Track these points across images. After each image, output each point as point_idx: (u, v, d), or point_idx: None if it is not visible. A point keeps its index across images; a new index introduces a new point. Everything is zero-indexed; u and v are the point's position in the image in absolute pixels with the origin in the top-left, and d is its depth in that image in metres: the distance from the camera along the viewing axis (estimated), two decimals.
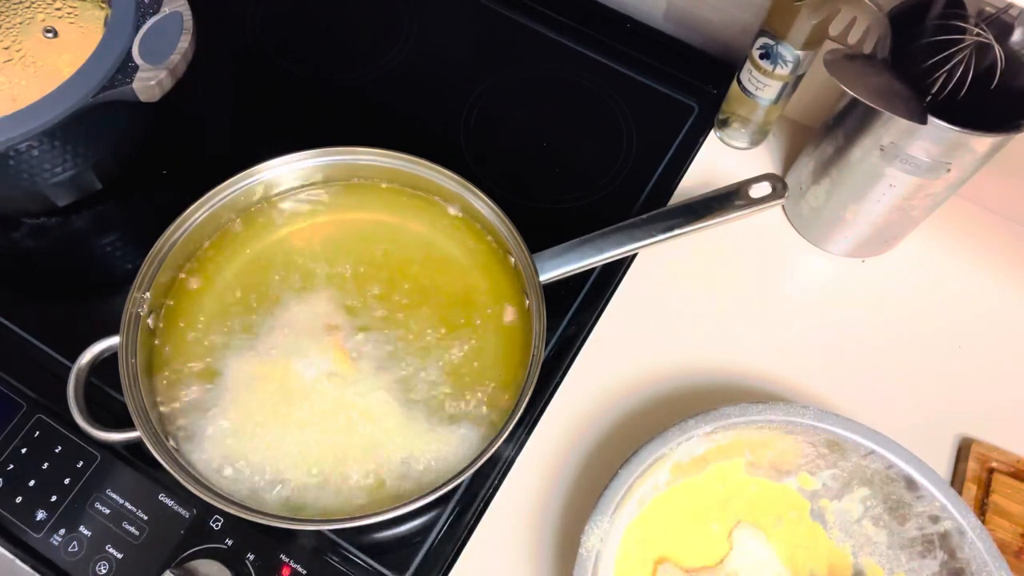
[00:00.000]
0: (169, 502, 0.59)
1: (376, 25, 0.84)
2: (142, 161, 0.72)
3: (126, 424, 0.54)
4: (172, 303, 0.61)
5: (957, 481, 0.64)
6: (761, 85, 0.70)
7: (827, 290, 0.72)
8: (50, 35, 0.71)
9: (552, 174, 0.76)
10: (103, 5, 0.69)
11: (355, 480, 0.56)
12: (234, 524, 0.58)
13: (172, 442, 0.56)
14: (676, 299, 0.71)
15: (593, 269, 0.65)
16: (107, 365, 0.56)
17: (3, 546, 0.57)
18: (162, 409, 0.57)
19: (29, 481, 0.59)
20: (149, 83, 0.61)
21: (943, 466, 0.65)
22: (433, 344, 0.61)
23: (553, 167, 0.77)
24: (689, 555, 0.58)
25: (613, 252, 0.63)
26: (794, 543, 0.59)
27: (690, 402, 0.66)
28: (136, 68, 0.61)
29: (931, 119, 0.54)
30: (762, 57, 0.68)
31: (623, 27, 0.84)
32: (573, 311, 0.69)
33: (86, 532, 0.58)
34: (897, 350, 0.69)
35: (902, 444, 0.56)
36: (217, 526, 0.58)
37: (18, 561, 0.57)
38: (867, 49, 0.58)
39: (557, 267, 0.62)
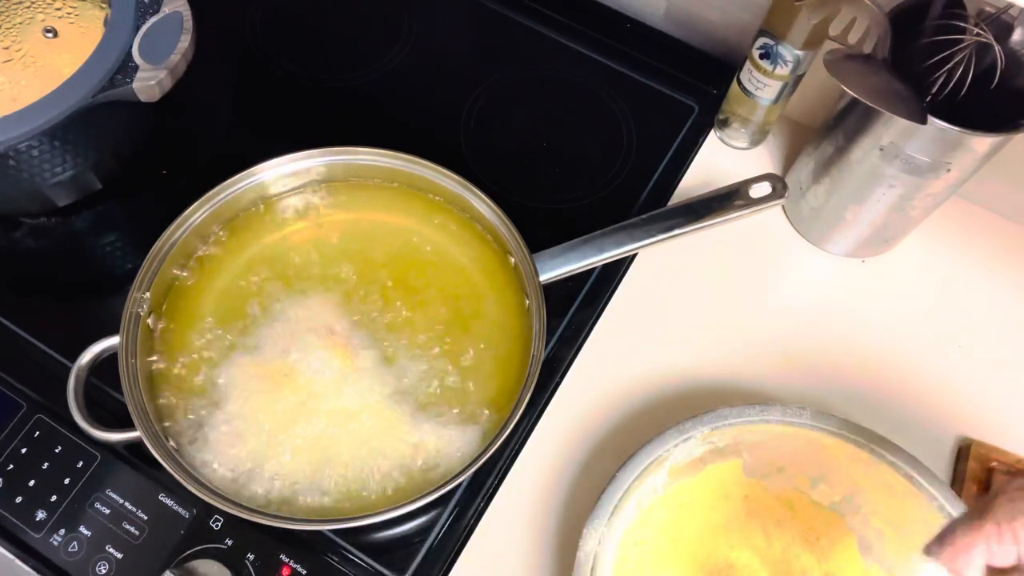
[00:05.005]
0: (169, 502, 0.59)
1: (376, 25, 0.84)
2: (142, 161, 0.72)
3: (126, 424, 0.54)
4: (172, 303, 0.61)
5: (957, 481, 0.64)
6: (761, 85, 0.70)
7: (827, 290, 0.72)
8: (50, 35, 0.71)
9: (552, 174, 0.76)
10: (103, 5, 0.69)
11: (355, 480, 0.56)
12: (234, 524, 0.58)
13: (172, 442, 0.56)
14: (676, 299, 0.71)
15: (593, 269, 0.65)
16: (107, 365, 0.56)
17: (3, 546, 0.57)
18: (162, 409, 0.57)
19: (29, 481, 0.59)
20: (149, 83, 0.61)
21: (943, 466, 0.65)
22: (433, 344, 0.61)
23: (553, 167, 0.77)
24: (687, 558, 0.58)
25: (613, 252, 0.63)
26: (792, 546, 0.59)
27: (688, 403, 0.65)
28: (136, 68, 0.61)
29: (931, 119, 0.54)
30: (762, 57, 0.68)
31: (623, 27, 0.84)
32: (573, 311, 0.69)
33: (86, 532, 0.58)
34: (897, 350, 0.69)
35: (902, 444, 0.56)
36: (217, 526, 0.58)
37: (18, 561, 0.57)
38: (867, 49, 0.58)
39: (557, 267, 0.62)
